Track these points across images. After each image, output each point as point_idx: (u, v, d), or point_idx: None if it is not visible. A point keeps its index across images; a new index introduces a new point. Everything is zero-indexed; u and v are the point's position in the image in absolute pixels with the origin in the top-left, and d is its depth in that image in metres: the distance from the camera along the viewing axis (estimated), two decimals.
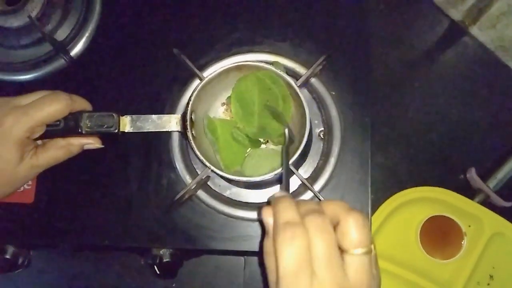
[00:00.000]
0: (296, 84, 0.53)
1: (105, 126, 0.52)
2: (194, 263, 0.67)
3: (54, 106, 0.50)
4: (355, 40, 0.60)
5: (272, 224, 0.36)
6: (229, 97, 0.57)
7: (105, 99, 0.60)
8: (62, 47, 0.61)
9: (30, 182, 0.58)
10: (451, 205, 0.64)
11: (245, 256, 0.67)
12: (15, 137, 0.49)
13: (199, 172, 0.58)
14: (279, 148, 0.57)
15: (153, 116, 0.54)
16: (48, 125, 0.51)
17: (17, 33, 0.60)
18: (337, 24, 0.61)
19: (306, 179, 0.56)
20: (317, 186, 0.57)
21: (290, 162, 0.51)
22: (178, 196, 0.55)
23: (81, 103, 0.53)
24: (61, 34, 0.62)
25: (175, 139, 0.59)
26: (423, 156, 0.67)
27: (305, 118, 0.51)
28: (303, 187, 0.57)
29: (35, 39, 0.61)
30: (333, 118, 0.59)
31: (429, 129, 0.68)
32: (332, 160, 0.58)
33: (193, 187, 0.56)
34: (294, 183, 0.59)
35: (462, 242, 0.64)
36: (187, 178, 0.58)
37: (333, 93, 0.59)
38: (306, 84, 0.59)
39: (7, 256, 0.63)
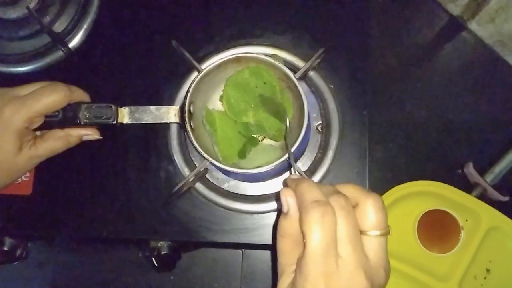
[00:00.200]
0: (294, 77, 0.53)
1: (103, 117, 0.52)
2: (192, 256, 0.68)
3: (53, 97, 0.50)
4: (354, 34, 0.60)
5: (293, 204, 0.36)
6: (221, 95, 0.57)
7: (104, 90, 0.60)
8: (61, 39, 0.61)
9: (28, 174, 0.58)
10: (448, 199, 0.64)
11: (243, 249, 0.67)
12: (13, 127, 0.49)
13: (197, 165, 0.58)
14: (276, 143, 0.58)
15: (152, 107, 0.54)
16: (46, 116, 0.51)
17: (15, 25, 0.60)
18: (336, 17, 0.61)
19: (304, 172, 0.56)
20: (315, 179, 0.57)
21: (288, 154, 0.51)
22: (176, 189, 0.55)
23: (80, 94, 0.53)
24: (60, 26, 0.62)
25: (174, 132, 0.59)
26: (421, 150, 0.67)
27: (304, 110, 0.51)
28: None
29: (33, 31, 0.61)
30: (331, 112, 0.59)
31: (427, 123, 0.68)
32: (330, 154, 0.58)
33: (191, 179, 0.56)
34: (292, 176, 0.59)
35: (459, 236, 0.64)
36: (185, 171, 0.58)
37: (332, 86, 0.59)
38: (304, 77, 0.59)
39: (5, 248, 0.63)
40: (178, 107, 0.54)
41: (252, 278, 0.67)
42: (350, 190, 0.36)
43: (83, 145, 0.55)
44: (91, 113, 0.52)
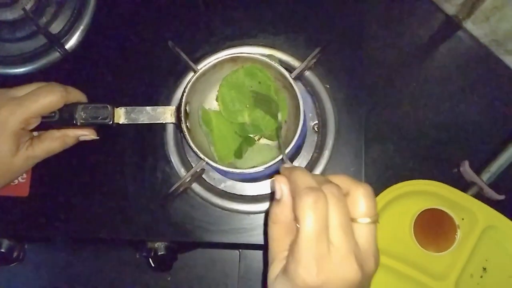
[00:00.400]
0: (290, 76, 0.53)
1: (100, 117, 0.52)
2: (189, 257, 0.68)
3: (49, 97, 0.50)
4: (349, 34, 0.61)
5: (287, 191, 0.36)
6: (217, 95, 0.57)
7: (100, 91, 0.60)
8: (57, 40, 0.61)
9: (24, 176, 0.58)
10: (444, 198, 0.64)
11: (240, 250, 0.67)
12: (10, 128, 0.49)
13: (193, 165, 0.58)
14: (272, 142, 0.58)
15: (148, 107, 0.54)
16: (43, 117, 0.51)
17: (12, 26, 0.61)
18: (332, 17, 0.61)
19: None
20: None
21: (284, 154, 0.51)
22: (172, 189, 0.55)
23: (76, 95, 0.53)
24: (56, 27, 0.62)
25: (170, 132, 0.59)
26: (417, 149, 0.68)
27: (299, 110, 0.52)
28: None
29: (30, 32, 0.61)
30: (327, 111, 0.59)
31: (423, 122, 0.68)
32: (327, 153, 0.58)
33: (188, 179, 0.56)
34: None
35: (456, 235, 0.64)
36: (182, 171, 0.58)
37: (328, 86, 0.60)
38: (300, 77, 0.59)
39: (2, 250, 0.63)
40: (174, 107, 0.54)
41: (249, 278, 0.66)
42: (342, 180, 0.37)
43: (80, 145, 0.56)
44: (87, 113, 0.52)
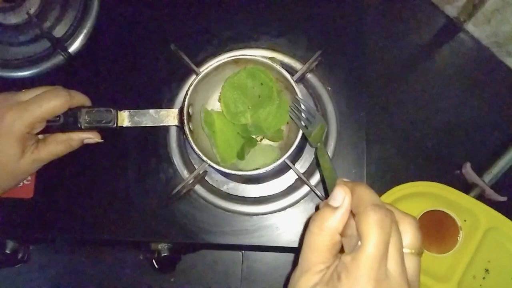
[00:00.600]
0: (292, 79, 0.53)
1: (104, 121, 0.53)
2: (192, 258, 0.68)
3: (54, 102, 0.51)
4: (351, 36, 0.61)
5: (348, 202, 0.35)
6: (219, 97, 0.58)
7: (104, 94, 0.61)
8: (61, 44, 0.62)
9: (29, 178, 0.59)
10: (447, 200, 0.64)
11: (243, 251, 0.67)
12: (16, 132, 0.49)
13: (196, 167, 0.58)
14: (274, 143, 0.58)
15: (151, 110, 0.54)
16: (48, 121, 0.52)
17: (15, 30, 0.61)
18: (333, 20, 0.62)
19: (302, 173, 0.57)
20: (313, 181, 0.58)
21: (286, 155, 0.52)
22: (175, 191, 0.55)
23: (80, 99, 0.54)
24: (60, 31, 0.63)
25: (173, 134, 0.60)
26: (419, 151, 0.68)
27: None
28: (300, 182, 0.58)
29: (33, 36, 0.62)
30: (329, 113, 0.59)
31: (425, 124, 0.68)
32: (328, 155, 0.58)
33: (191, 181, 0.56)
34: (291, 177, 0.59)
35: (458, 237, 0.64)
36: (185, 173, 0.59)
37: (329, 88, 0.60)
38: (302, 79, 0.59)
39: (7, 251, 0.64)
40: (177, 110, 0.55)
41: (252, 280, 0.67)
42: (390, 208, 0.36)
43: (84, 148, 0.56)
44: (91, 117, 0.53)
